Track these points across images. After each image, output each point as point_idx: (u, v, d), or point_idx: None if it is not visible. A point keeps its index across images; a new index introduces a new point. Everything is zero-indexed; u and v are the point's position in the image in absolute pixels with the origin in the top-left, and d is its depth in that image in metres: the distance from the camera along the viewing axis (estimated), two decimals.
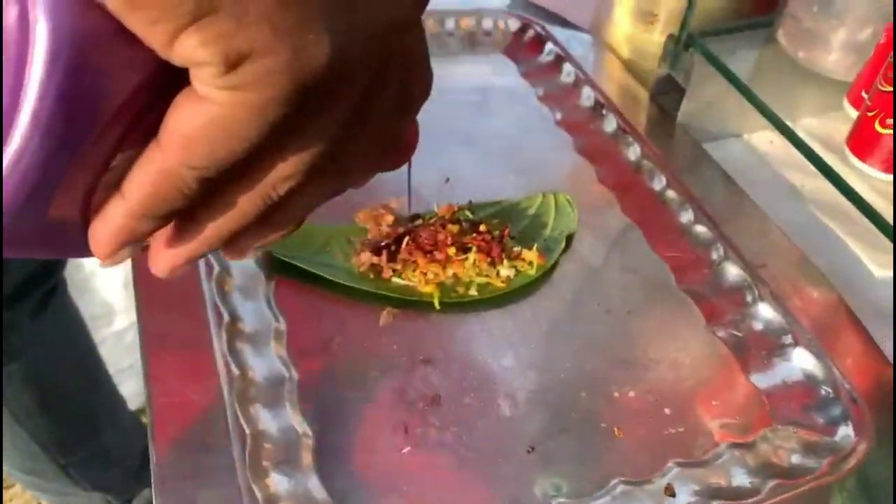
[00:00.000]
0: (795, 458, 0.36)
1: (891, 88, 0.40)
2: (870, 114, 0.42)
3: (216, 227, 0.19)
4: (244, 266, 0.43)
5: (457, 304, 0.43)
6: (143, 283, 0.40)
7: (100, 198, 0.18)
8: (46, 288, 0.67)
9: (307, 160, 0.18)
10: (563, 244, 0.47)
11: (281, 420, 0.36)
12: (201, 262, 0.42)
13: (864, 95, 0.44)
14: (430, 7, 0.70)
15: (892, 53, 0.40)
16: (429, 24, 0.65)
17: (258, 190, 0.18)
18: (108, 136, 0.17)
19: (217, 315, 0.39)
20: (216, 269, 0.41)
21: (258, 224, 0.20)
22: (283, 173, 0.18)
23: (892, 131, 0.41)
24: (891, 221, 0.41)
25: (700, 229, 0.47)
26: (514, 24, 0.66)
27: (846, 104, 0.48)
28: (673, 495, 0.34)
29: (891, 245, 0.41)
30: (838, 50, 0.48)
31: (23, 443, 0.69)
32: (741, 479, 0.35)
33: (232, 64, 0.15)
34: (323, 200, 0.21)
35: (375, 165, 0.22)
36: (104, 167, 0.17)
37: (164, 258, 0.20)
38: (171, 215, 0.18)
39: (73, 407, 0.73)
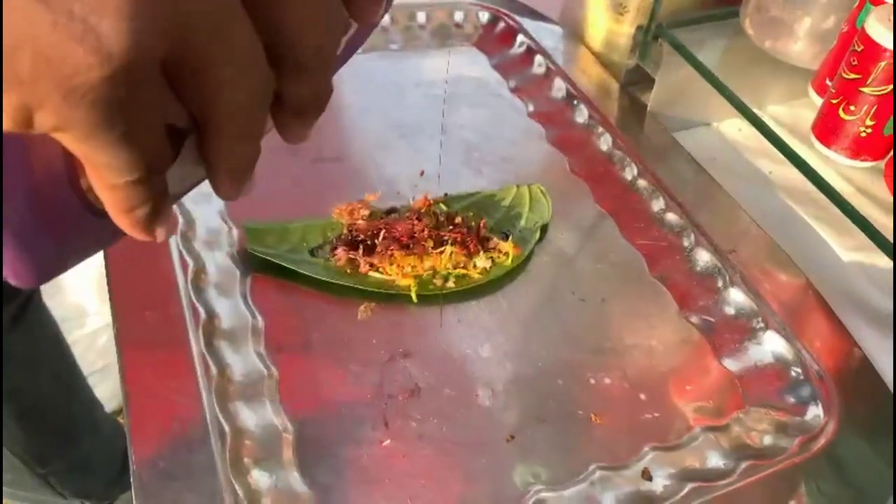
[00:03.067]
0: (767, 439, 0.37)
1: (855, 76, 0.40)
2: (833, 101, 0.43)
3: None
4: (220, 263, 0.42)
5: (434, 296, 0.43)
6: (118, 282, 0.39)
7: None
8: (22, 298, 0.66)
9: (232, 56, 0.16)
10: (537, 234, 0.47)
11: (260, 416, 0.36)
12: (177, 260, 0.41)
13: (829, 83, 0.45)
14: (401, 1, 0.70)
15: (853, 40, 0.41)
16: (400, 17, 0.65)
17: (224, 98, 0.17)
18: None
19: (194, 313, 0.39)
20: (191, 266, 0.41)
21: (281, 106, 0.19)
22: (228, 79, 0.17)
23: (854, 118, 0.41)
24: (856, 205, 0.42)
25: (671, 217, 0.48)
26: (485, 17, 0.67)
27: (811, 92, 0.49)
28: (650, 479, 0.35)
29: (856, 229, 0.42)
30: (803, 39, 0.49)
31: (7, 458, 0.68)
32: (716, 460, 0.36)
33: (26, 121, 0.15)
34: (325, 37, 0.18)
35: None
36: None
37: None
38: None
39: (50, 418, 0.72)
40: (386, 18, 0.64)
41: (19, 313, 0.65)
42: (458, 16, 0.67)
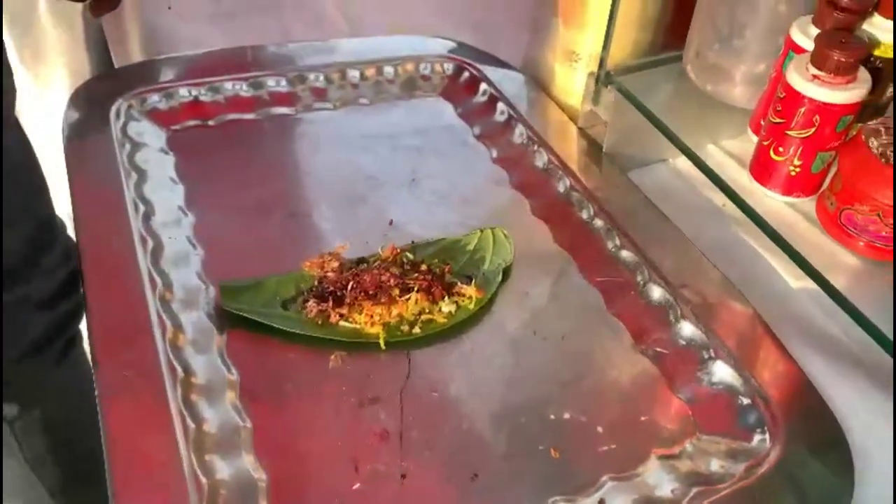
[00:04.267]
0: (715, 465, 0.39)
1: (780, 120, 0.43)
2: (765, 143, 0.46)
3: None
4: (196, 322, 0.45)
5: (401, 342, 0.45)
6: (100, 340, 0.42)
7: None
8: (67, 337, 0.69)
9: None
10: (500, 277, 0.50)
11: (235, 467, 0.38)
12: (155, 321, 0.44)
13: (763, 123, 0.48)
14: (372, 55, 0.74)
15: (777, 87, 0.44)
16: (370, 72, 0.68)
17: None
18: None
19: (171, 370, 0.41)
20: (169, 326, 0.43)
21: None
22: None
23: (783, 158, 0.44)
24: (795, 234, 0.44)
25: (625, 254, 0.50)
26: (449, 68, 0.70)
27: (749, 132, 0.52)
28: None
29: (802, 261, 0.45)
30: (740, 83, 0.52)
31: (33, 490, 0.70)
32: (668, 487, 0.38)
33: None
34: None
35: None
36: None
37: None
38: None
39: (78, 454, 0.74)
40: (356, 74, 0.68)
41: (66, 350, 0.68)
42: (424, 68, 0.70)
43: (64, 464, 0.72)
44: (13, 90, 0.54)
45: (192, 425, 0.39)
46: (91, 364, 0.41)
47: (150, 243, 0.48)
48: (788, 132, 0.44)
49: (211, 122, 0.61)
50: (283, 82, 0.65)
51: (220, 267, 0.48)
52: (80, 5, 0.79)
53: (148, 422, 0.39)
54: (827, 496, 0.38)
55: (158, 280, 0.46)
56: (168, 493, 0.36)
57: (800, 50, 0.45)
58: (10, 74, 0.57)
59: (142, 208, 0.50)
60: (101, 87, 0.61)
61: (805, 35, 0.46)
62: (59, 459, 0.71)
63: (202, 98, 0.62)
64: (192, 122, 0.60)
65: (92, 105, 0.59)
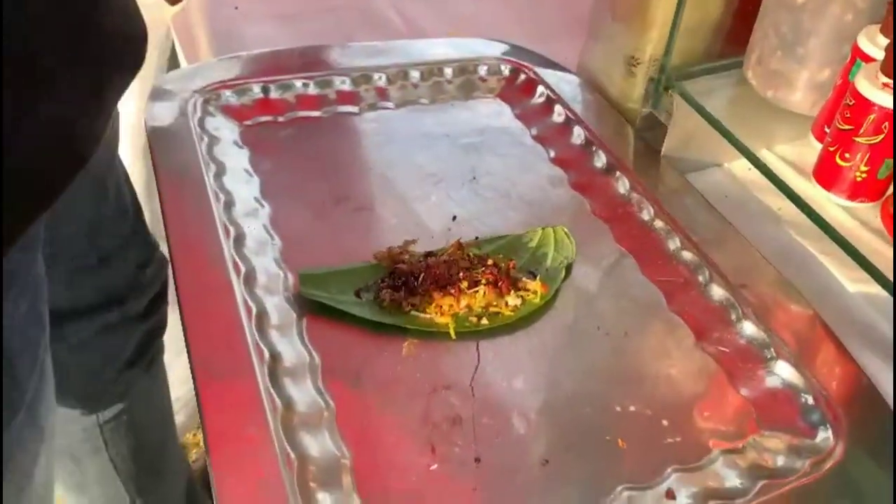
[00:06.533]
0: (780, 460, 0.40)
1: (848, 127, 0.45)
2: (831, 149, 0.47)
3: None
4: (278, 306, 0.47)
5: (470, 332, 0.47)
6: (193, 325, 0.44)
7: None
8: (158, 344, 0.73)
9: None
10: (563, 273, 0.52)
11: (321, 444, 0.40)
12: (241, 304, 0.46)
13: (827, 130, 0.49)
14: (430, 58, 0.76)
15: (845, 94, 0.45)
16: (429, 73, 0.70)
17: None
18: None
19: (259, 353, 0.44)
20: (254, 310, 0.46)
21: None
22: None
23: (850, 164, 0.46)
24: (858, 239, 0.45)
25: (686, 255, 0.52)
26: (506, 70, 0.72)
27: (811, 137, 0.53)
28: (673, 498, 0.38)
29: (864, 261, 0.46)
30: (802, 89, 0.53)
31: (114, 489, 0.74)
32: (733, 480, 0.39)
33: None
34: None
35: None
36: None
37: None
38: None
39: (152, 457, 0.78)
40: (416, 75, 0.70)
41: (155, 357, 0.73)
42: (482, 70, 0.72)
43: (141, 460, 0.76)
44: (117, 116, 0.57)
45: (279, 404, 0.41)
46: (187, 350, 0.43)
47: (233, 232, 0.51)
48: (856, 139, 0.45)
49: (281, 119, 0.64)
50: (348, 82, 0.67)
51: (295, 256, 0.51)
52: (148, 4, 0.82)
53: (241, 400, 0.41)
54: (884, 496, 0.39)
55: (242, 266, 0.48)
56: (261, 468, 0.38)
57: (867, 58, 0.47)
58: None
59: (223, 198, 0.53)
60: (177, 84, 0.64)
61: (873, 44, 0.47)
62: (137, 457, 0.75)
63: (272, 95, 0.64)
64: (263, 118, 0.63)
65: (170, 101, 0.61)
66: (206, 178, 0.54)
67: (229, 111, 0.63)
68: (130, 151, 0.86)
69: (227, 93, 0.64)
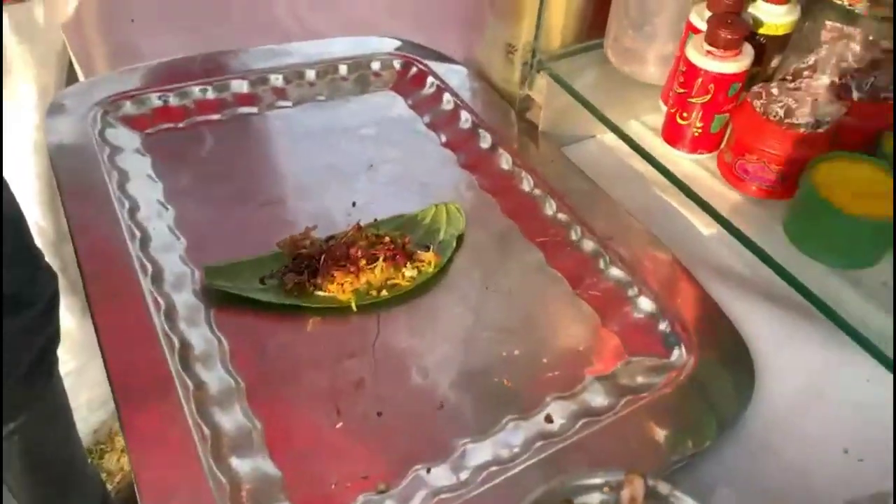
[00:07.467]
0: (641, 379, 0.46)
1: (683, 90, 0.51)
2: (672, 111, 0.54)
3: None
4: (187, 300, 0.50)
5: (371, 305, 0.52)
6: (104, 324, 0.47)
7: None
8: (52, 359, 0.72)
9: None
10: (454, 244, 0.56)
11: (233, 418, 0.44)
12: (151, 301, 0.49)
13: (670, 95, 0.56)
14: (326, 56, 0.81)
15: (681, 60, 0.52)
16: (326, 71, 0.74)
17: None
18: None
19: (170, 343, 0.47)
20: (163, 305, 0.49)
21: None
22: None
23: (687, 122, 0.52)
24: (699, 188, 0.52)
25: (562, 217, 0.58)
26: (398, 64, 0.76)
27: (661, 103, 0.60)
28: (551, 421, 0.44)
29: (707, 206, 0.53)
30: (652, 63, 0.60)
31: None
32: (601, 400, 0.45)
33: None
34: None
35: None
36: None
37: None
38: None
39: (55, 478, 0.77)
40: (312, 74, 0.74)
41: (48, 371, 0.71)
42: (376, 65, 0.76)
43: (42, 482, 0.75)
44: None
45: (191, 386, 0.45)
46: (100, 350, 0.46)
47: (138, 234, 0.53)
48: (690, 100, 0.51)
49: (181, 125, 0.66)
50: (246, 84, 0.71)
51: (201, 253, 0.54)
52: (41, 22, 0.83)
53: (154, 386, 0.44)
54: (730, 398, 0.46)
55: (149, 266, 0.51)
56: (178, 444, 0.42)
57: (697, 31, 0.53)
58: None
59: (127, 204, 0.56)
60: (76, 98, 0.66)
61: (701, 18, 0.54)
62: (38, 478, 0.74)
63: (171, 102, 0.67)
64: (164, 126, 0.66)
65: (70, 115, 0.63)
66: (109, 186, 0.57)
67: (129, 121, 0.65)
68: (33, 167, 0.86)
69: (127, 104, 0.66)
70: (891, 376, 0.43)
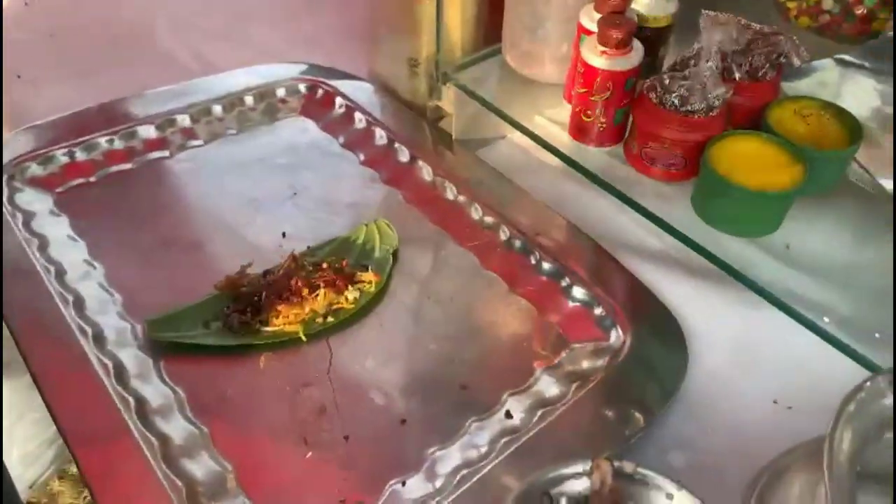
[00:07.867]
0: (586, 364, 0.49)
1: (584, 90, 0.55)
2: (576, 109, 0.57)
3: None
4: (135, 357, 0.50)
5: (319, 332, 0.53)
6: (55, 398, 0.46)
7: None
8: None
9: None
10: (391, 260, 0.58)
11: (205, 465, 0.44)
12: (97, 364, 0.48)
13: (573, 94, 0.59)
14: (230, 89, 0.79)
15: (578, 61, 0.56)
16: (232, 105, 0.74)
17: None
18: None
19: (125, 403, 0.46)
20: (111, 365, 0.48)
21: None
22: None
23: (591, 119, 0.56)
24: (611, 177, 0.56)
25: (489, 219, 0.60)
26: (304, 88, 0.77)
27: (564, 102, 0.64)
28: (511, 417, 0.46)
29: (619, 193, 0.57)
30: (549, 64, 0.64)
31: None
32: (553, 390, 0.48)
33: None
34: None
35: None
36: None
37: None
38: None
39: None
40: (218, 109, 0.73)
41: None
42: (281, 92, 0.76)
43: None
44: None
45: (155, 442, 0.44)
46: (54, 422, 0.45)
47: (70, 298, 0.52)
48: (591, 98, 0.55)
49: (93, 179, 0.65)
50: (152, 129, 0.69)
51: (138, 306, 0.53)
52: None
53: (122, 455, 0.44)
54: (669, 369, 0.50)
55: (88, 329, 0.50)
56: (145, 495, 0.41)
57: (588, 32, 0.57)
58: None
59: (52, 269, 0.54)
60: None
61: (590, 19, 0.58)
62: None
63: (78, 157, 0.65)
64: (75, 182, 0.64)
65: None
66: (29, 253, 0.55)
67: (38, 182, 0.63)
68: None
69: (32, 164, 0.64)
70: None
